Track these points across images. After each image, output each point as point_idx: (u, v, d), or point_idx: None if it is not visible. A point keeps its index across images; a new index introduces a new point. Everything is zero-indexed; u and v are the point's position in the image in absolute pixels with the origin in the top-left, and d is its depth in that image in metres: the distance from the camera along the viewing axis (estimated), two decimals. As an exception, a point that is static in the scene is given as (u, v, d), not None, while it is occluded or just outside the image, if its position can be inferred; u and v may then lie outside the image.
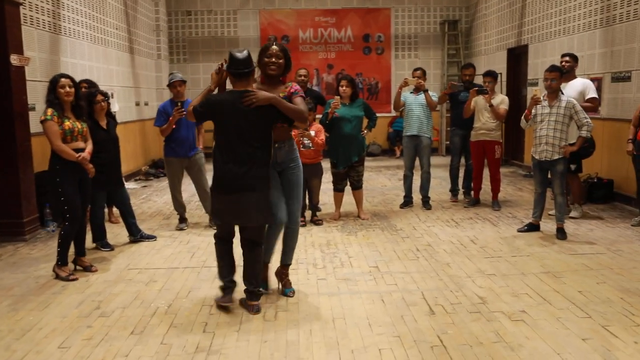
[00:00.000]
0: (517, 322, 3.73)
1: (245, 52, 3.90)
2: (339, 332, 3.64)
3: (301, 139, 6.01)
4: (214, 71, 4.05)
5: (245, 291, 4.07)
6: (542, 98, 5.64)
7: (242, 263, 4.15)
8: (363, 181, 6.72)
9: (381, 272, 4.79)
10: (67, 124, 4.69)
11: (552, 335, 3.52)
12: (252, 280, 4.04)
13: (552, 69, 5.63)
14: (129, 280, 4.71)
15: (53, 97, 4.65)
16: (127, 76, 9.98)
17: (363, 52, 12.96)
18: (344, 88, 6.30)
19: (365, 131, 6.64)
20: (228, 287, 4.12)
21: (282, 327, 3.76)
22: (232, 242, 4.13)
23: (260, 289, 4.16)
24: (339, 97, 6.20)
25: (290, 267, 4.52)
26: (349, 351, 3.39)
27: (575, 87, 6.34)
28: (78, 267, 4.97)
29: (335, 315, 3.91)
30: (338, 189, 6.68)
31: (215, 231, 4.19)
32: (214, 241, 4.17)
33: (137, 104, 10.47)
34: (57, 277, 4.73)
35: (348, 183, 6.66)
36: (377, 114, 6.94)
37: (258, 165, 3.88)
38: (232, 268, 4.17)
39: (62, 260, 4.75)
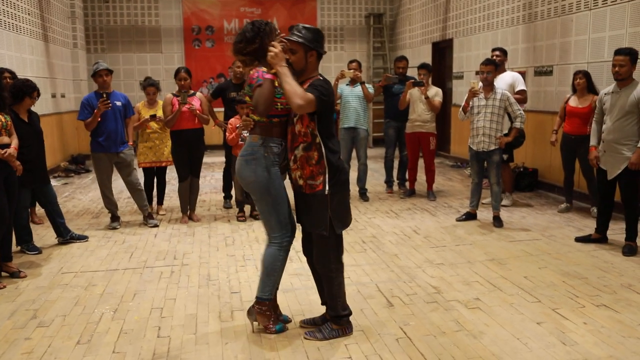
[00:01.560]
0: (474, 310, 3.81)
1: None
2: (301, 329, 3.55)
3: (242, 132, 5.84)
4: (279, 49, 3.20)
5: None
6: (479, 90, 5.80)
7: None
8: None
9: (332, 266, 4.73)
10: (-10, 117, 4.25)
11: (508, 321, 3.63)
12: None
13: (488, 62, 5.81)
14: (64, 285, 4.36)
15: (-27, 87, 4.19)
16: (41, 66, 9.25)
17: (289, 44, 12.83)
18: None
19: None
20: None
21: (240, 327, 3.62)
22: None
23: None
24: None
25: (238, 264, 4.35)
26: (315, 349, 3.32)
27: (506, 80, 6.60)
28: (4, 274, 4.54)
29: (293, 312, 3.82)
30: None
31: (337, 253, 3.44)
32: (334, 269, 3.41)
33: (54, 96, 9.74)
34: (-18, 285, 4.29)
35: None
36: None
37: None
38: None
39: (-13, 267, 4.32)
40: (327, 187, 3.28)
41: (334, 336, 3.43)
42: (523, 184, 7.54)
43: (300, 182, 3.35)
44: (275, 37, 3.35)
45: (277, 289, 3.59)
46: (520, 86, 6.66)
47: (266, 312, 3.48)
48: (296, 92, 3.11)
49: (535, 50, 7.72)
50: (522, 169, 7.61)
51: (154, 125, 6.32)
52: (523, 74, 7.64)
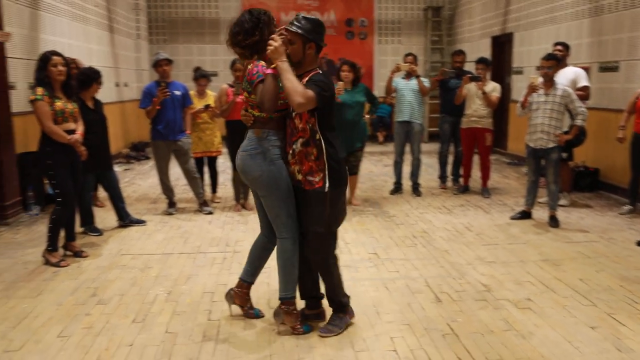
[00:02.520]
0: (524, 310, 3.74)
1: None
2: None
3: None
4: (279, 42, 3.05)
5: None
6: (538, 86, 5.64)
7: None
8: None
9: (381, 259, 4.75)
10: (58, 104, 4.47)
11: (560, 323, 3.53)
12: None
13: (549, 57, 5.64)
14: (123, 266, 4.56)
15: (43, 75, 4.41)
16: (106, 56, 9.64)
17: (346, 37, 12.81)
18: (346, 73, 6.19)
19: (367, 116, 6.53)
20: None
21: (289, 315, 3.68)
22: None
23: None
24: (341, 82, 6.07)
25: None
26: (361, 339, 3.34)
27: (567, 76, 6.38)
28: (68, 253, 4.79)
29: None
30: None
31: (331, 248, 3.41)
32: (328, 263, 3.38)
33: (117, 85, 10.15)
34: (48, 262, 4.55)
35: None
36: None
37: None
38: None
39: (52, 246, 4.56)
40: (327, 185, 3.20)
41: (346, 323, 3.48)
42: (583, 183, 7.28)
43: (299, 177, 3.25)
44: (274, 27, 3.19)
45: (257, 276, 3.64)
46: (583, 82, 6.42)
47: (293, 312, 3.40)
48: (297, 90, 2.99)
49: (600, 45, 7.41)
50: (582, 168, 7.35)
51: (204, 115, 6.47)
52: (587, 69, 7.35)
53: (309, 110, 3.12)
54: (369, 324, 3.53)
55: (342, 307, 3.49)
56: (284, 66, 3.02)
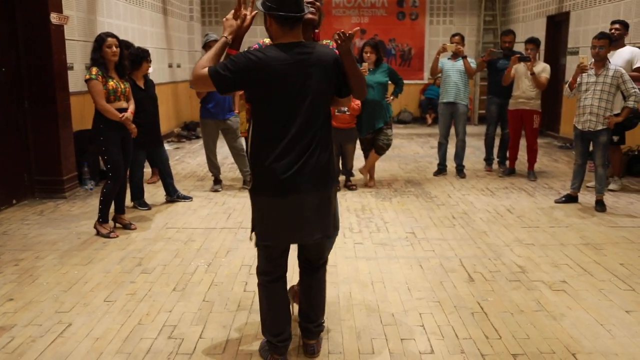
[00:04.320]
0: (558, 292, 3.70)
1: None
2: (379, 296, 3.66)
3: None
4: (230, 15, 2.71)
5: (302, 327, 3.01)
6: (588, 66, 5.47)
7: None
8: (391, 147, 6.56)
9: (418, 238, 4.78)
10: (111, 83, 4.71)
11: (594, 306, 3.49)
12: (311, 315, 2.97)
13: (601, 36, 5.44)
14: (167, 239, 4.79)
15: (98, 55, 4.65)
16: (160, 37, 9.96)
17: (397, 18, 12.67)
18: (368, 54, 6.19)
19: (392, 97, 6.49)
20: (285, 344, 2.88)
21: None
22: (285, 276, 2.91)
23: (323, 322, 3.05)
24: (365, 64, 6.08)
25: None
26: (390, 314, 3.40)
27: (623, 56, 6.14)
28: (118, 225, 5.06)
29: (374, 279, 3.92)
30: (365, 155, 6.64)
31: (258, 264, 2.85)
32: (257, 281, 2.89)
33: (170, 66, 10.48)
34: (98, 233, 4.83)
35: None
36: (410, 81, 6.83)
37: (323, 150, 2.69)
38: (289, 316, 2.93)
39: (103, 218, 4.83)
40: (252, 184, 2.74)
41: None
42: (637, 168, 7.01)
43: None
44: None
45: None
46: (639, 63, 6.16)
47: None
48: (195, 67, 2.61)
49: (661, 24, 7.07)
50: (636, 152, 7.08)
51: None
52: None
53: (245, 95, 2.75)
54: (399, 300, 3.58)
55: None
56: (218, 42, 2.67)
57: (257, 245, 2.77)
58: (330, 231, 2.82)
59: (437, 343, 3.06)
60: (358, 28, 2.95)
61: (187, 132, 10.65)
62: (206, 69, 2.54)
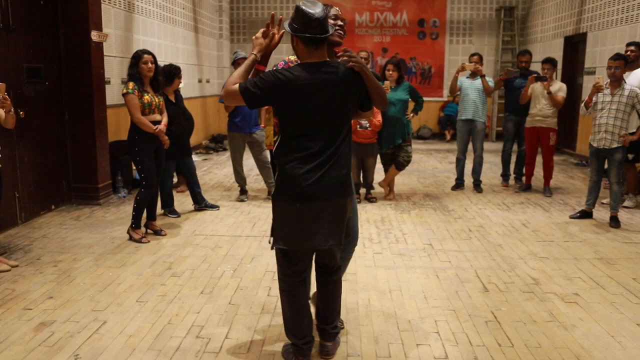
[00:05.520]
0: (570, 304, 3.82)
1: (321, 9, 2.76)
2: (396, 303, 3.82)
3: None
4: (259, 33, 2.92)
5: (319, 329, 3.17)
6: (604, 86, 5.63)
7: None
8: (411, 162, 6.75)
9: (435, 250, 4.95)
10: (147, 97, 5.00)
11: (606, 319, 3.60)
12: (328, 317, 3.15)
13: (617, 57, 5.61)
14: (196, 245, 5.03)
15: (135, 71, 4.94)
16: (191, 54, 10.35)
17: (418, 37, 12.93)
18: (390, 72, 6.44)
19: (412, 115, 6.70)
20: (309, 346, 3.06)
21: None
22: (306, 283, 3.11)
23: (339, 325, 3.25)
24: (388, 82, 6.32)
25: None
26: (406, 321, 3.56)
27: (638, 76, 6.28)
28: (149, 231, 5.32)
29: (392, 287, 4.10)
30: (385, 169, 6.86)
31: (278, 269, 3.04)
32: (279, 287, 3.07)
33: (200, 81, 10.86)
34: (131, 238, 5.09)
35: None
36: (430, 99, 7.05)
37: (342, 165, 2.89)
38: (312, 319, 3.10)
39: (136, 224, 5.10)
40: (274, 190, 2.94)
41: None
42: (652, 186, 7.10)
43: None
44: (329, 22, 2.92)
45: None
46: (655, 83, 6.30)
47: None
48: (227, 83, 2.88)
49: (677, 46, 7.18)
50: (651, 171, 7.17)
51: None
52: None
53: (273, 110, 2.99)
54: (415, 308, 3.74)
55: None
56: (248, 59, 2.91)
57: (273, 248, 2.96)
58: (343, 239, 2.99)
59: (452, 349, 3.20)
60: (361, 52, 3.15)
61: (215, 144, 10.98)
62: (237, 85, 2.78)
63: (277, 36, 2.94)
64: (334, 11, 3.02)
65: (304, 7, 2.73)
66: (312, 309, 3.24)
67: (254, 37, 2.94)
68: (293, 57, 3.09)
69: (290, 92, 2.74)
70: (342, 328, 3.44)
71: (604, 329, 3.46)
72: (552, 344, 3.27)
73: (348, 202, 2.98)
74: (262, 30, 2.93)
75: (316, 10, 2.72)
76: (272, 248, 2.97)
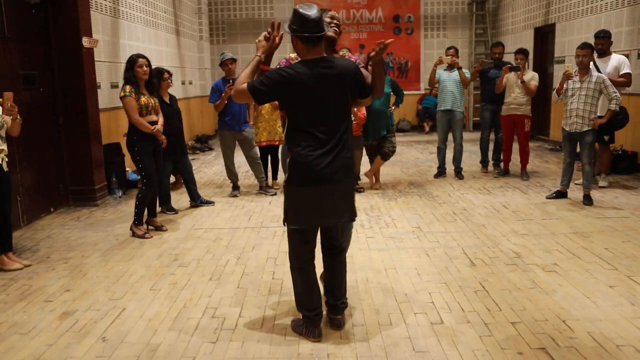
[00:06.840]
0: (550, 273, 4.18)
1: (316, 10, 3.07)
2: (392, 280, 4.13)
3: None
4: (262, 37, 3.26)
5: (329, 305, 3.48)
6: (573, 74, 6.02)
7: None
8: (395, 153, 7.08)
9: (423, 232, 5.28)
10: (143, 99, 5.23)
11: (582, 283, 3.97)
12: (337, 292, 3.46)
13: (584, 46, 6.00)
14: (197, 238, 5.27)
15: (131, 74, 5.17)
16: (174, 57, 10.55)
17: (393, 32, 13.31)
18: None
19: (393, 107, 7.04)
20: (319, 317, 3.37)
21: (341, 274, 4.27)
22: (314, 260, 3.38)
23: (346, 300, 3.54)
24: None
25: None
26: (403, 294, 3.87)
27: (611, 63, 6.66)
28: (150, 227, 5.55)
29: (386, 266, 4.41)
30: (371, 160, 7.18)
31: (291, 249, 3.36)
32: (290, 266, 3.39)
33: (183, 83, 11.06)
34: (134, 234, 5.31)
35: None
36: (407, 92, 7.36)
37: (347, 149, 3.21)
38: (320, 293, 3.43)
39: (138, 220, 5.33)
40: (287, 176, 3.24)
41: (300, 334, 3.37)
42: (621, 166, 7.56)
43: None
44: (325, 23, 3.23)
45: None
46: (626, 69, 6.67)
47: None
48: (236, 82, 3.17)
49: (639, 33, 7.65)
50: (620, 152, 7.63)
51: (267, 106, 7.09)
52: (627, 56, 7.62)
53: (279, 104, 3.38)
54: (410, 283, 4.05)
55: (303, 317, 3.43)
56: (253, 60, 3.22)
57: (290, 229, 3.28)
58: (354, 214, 3.38)
59: (446, 315, 3.52)
60: (392, 39, 3.46)
61: (200, 144, 11.19)
62: (245, 85, 3.10)
63: (277, 38, 3.27)
64: (330, 13, 3.43)
65: (300, 10, 3.05)
66: (321, 287, 3.52)
67: (256, 41, 3.29)
68: (293, 55, 3.44)
69: (293, 87, 3.05)
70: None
71: (580, 292, 3.82)
72: (535, 307, 3.60)
73: (354, 183, 3.37)
74: (263, 34, 3.26)
75: (312, 12, 3.04)
76: (288, 229, 3.28)
